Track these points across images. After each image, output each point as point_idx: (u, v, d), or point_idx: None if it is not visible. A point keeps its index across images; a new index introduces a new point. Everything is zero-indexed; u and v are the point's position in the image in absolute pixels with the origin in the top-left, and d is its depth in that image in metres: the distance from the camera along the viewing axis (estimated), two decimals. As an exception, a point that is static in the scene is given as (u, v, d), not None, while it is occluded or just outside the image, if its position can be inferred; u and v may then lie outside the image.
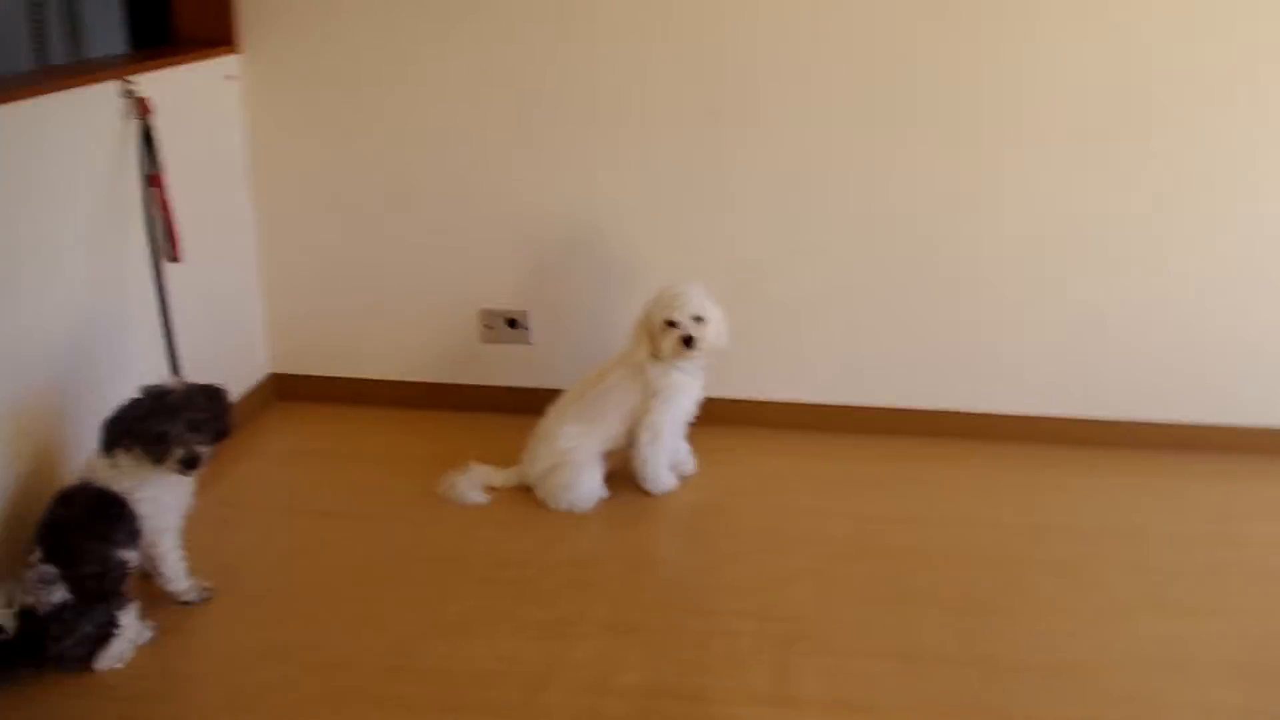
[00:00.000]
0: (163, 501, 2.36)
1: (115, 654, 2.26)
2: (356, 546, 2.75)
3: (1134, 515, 2.91)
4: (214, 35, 3.18)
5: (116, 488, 2.30)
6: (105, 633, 2.23)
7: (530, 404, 3.11)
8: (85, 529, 2.24)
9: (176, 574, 2.45)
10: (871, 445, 3.26)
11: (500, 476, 2.99)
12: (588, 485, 2.88)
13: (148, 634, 2.35)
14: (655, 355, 2.83)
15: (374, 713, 2.16)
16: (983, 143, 3.03)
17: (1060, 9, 2.89)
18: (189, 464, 2.29)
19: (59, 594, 2.18)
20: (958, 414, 3.28)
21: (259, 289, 3.47)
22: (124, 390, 2.36)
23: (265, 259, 3.44)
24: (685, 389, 2.88)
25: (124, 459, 2.30)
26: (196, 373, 2.80)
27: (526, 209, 3.26)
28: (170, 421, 2.27)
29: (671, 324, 2.78)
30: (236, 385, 3.25)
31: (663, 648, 2.34)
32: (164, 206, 2.78)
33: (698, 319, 2.78)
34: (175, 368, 2.85)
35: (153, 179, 2.76)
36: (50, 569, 2.19)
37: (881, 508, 2.91)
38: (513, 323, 3.39)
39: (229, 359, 3.25)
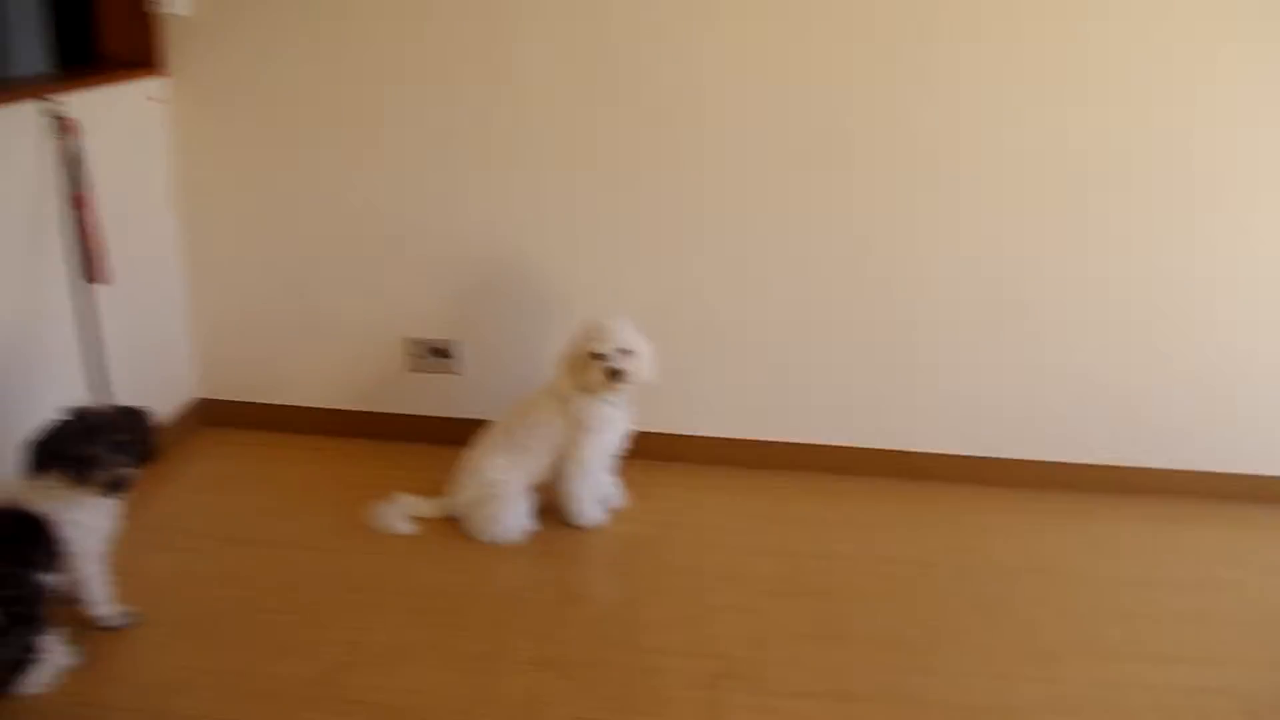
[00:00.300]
0: (87, 525, 2.32)
1: (36, 680, 2.21)
2: (282, 574, 2.73)
3: (1063, 557, 2.97)
4: (137, 56, 3.15)
5: (39, 510, 2.26)
6: (24, 657, 2.19)
7: (458, 434, 3.12)
8: (3, 553, 2.20)
9: (101, 598, 2.41)
10: (800, 481, 3.31)
11: (427, 507, 2.98)
12: (514, 518, 2.89)
13: (69, 659, 2.31)
14: (582, 388, 2.85)
15: (305, 748, 2.15)
16: (914, 185, 3.09)
17: (999, 56, 2.97)
18: (115, 487, 2.27)
19: None
20: (887, 452, 3.34)
21: (185, 313, 3.43)
22: (43, 413, 2.32)
23: (192, 283, 3.41)
24: (612, 422, 2.91)
25: (48, 481, 2.26)
26: (121, 396, 2.77)
27: (456, 239, 3.27)
28: (95, 443, 2.24)
29: (598, 356, 2.81)
30: (162, 409, 3.20)
31: (590, 684, 2.36)
32: (88, 227, 2.74)
33: (625, 352, 2.81)
34: (100, 391, 2.81)
35: (77, 199, 2.72)
36: None
37: (810, 544, 2.96)
38: (440, 352, 3.39)
39: (154, 383, 3.21)
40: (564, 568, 2.84)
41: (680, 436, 3.38)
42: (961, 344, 3.24)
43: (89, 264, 2.76)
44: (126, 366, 2.98)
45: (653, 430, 3.27)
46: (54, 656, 2.26)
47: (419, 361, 3.42)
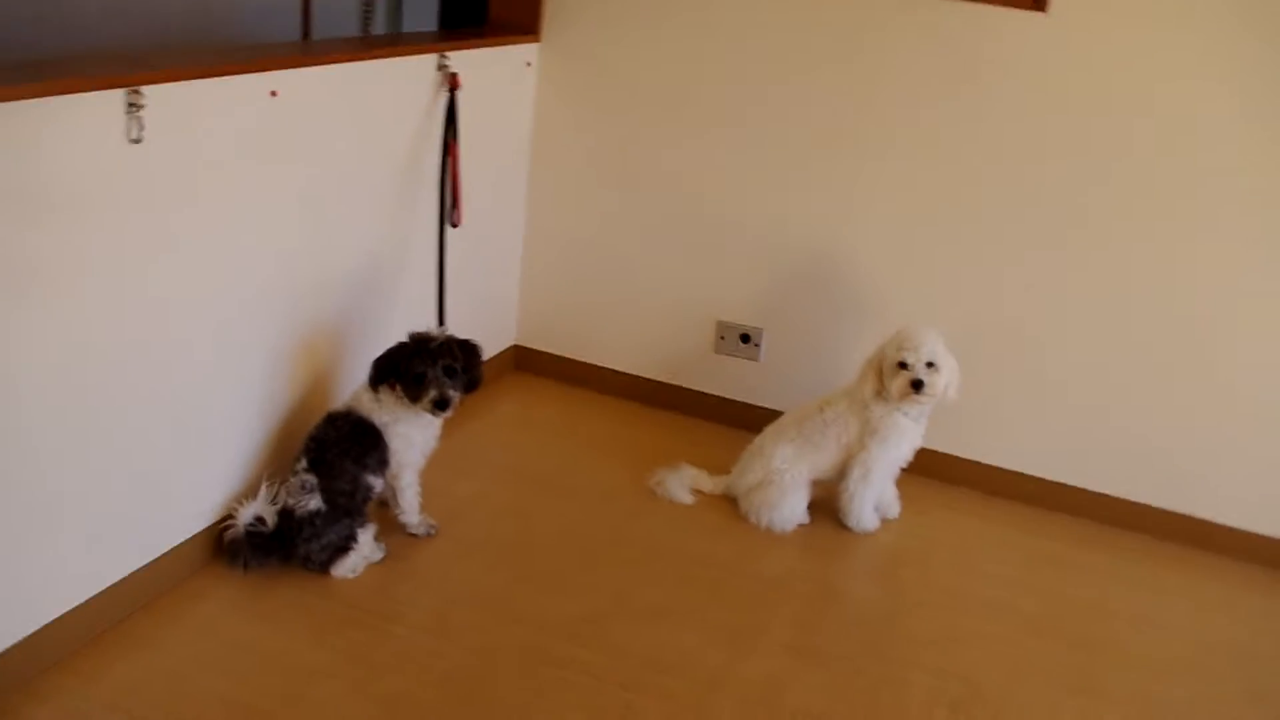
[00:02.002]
0: (411, 438, 2.61)
1: (350, 565, 2.52)
2: (566, 518, 2.94)
3: None
4: (522, 23, 3.44)
5: (375, 419, 2.56)
6: (345, 544, 2.50)
7: (749, 419, 3.23)
8: (344, 450, 2.51)
9: (411, 508, 2.70)
10: (1083, 529, 3.21)
11: (709, 482, 3.11)
12: (791, 508, 2.97)
13: (379, 554, 2.61)
14: (881, 395, 2.88)
15: (554, 672, 2.33)
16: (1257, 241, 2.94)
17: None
18: (440, 405, 2.52)
19: (314, 502, 2.46)
20: (1183, 517, 3.17)
21: (519, 265, 3.72)
22: (394, 333, 2.61)
23: (529, 238, 3.70)
24: (905, 433, 2.92)
25: (385, 395, 2.55)
26: (454, 330, 3.06)
27: (777, 230, 3.37)
28: (429, 365, 2.50)
29: (903, 365, 2.80)
30: (484, 349, 3.50)
31: (836, 681, 2.42)
32: (454, 174, 3.05)
33: (930, 365, 2.80)
34: (441, 320, 3.12)
35: (450, 148, 3.02)
36: (311, 478, 2.47)
37: (1081, 593, 2.87)
38: (746, 338, 3.51)
39: (482, 323, 3.50)
40: (830, 565, 2.90)
41: (967, 460, 3.34)
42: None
43: (451, 208, 3.07)
44: (462, 305, 3.29)
45: (942, 449, 3.27)
46: (367, 549, 2.56)
47: (725, 344, 3.55)
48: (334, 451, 2.50)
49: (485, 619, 2.49)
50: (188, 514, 2.47)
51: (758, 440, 3.08)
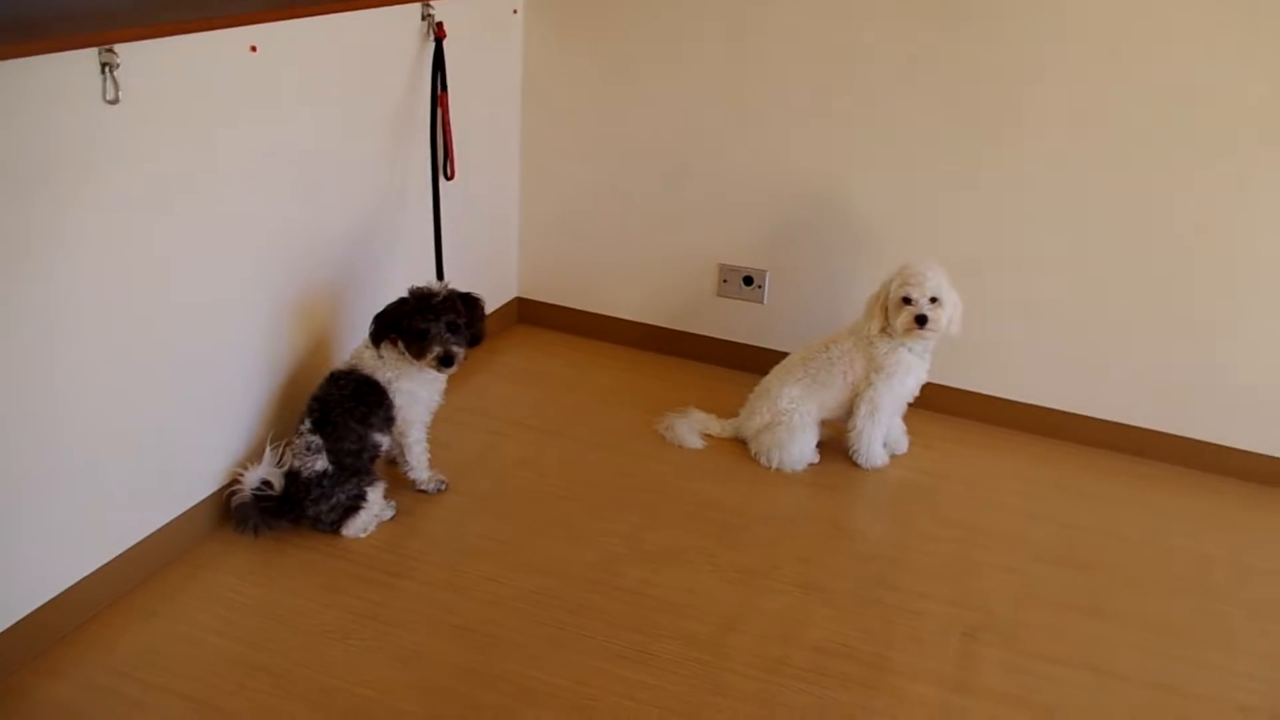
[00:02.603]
0: (416, 395, 2.59)
1: (360, 524, 2.52)
2: (575, 466, 2.94)
3: None
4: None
5: (379, 377, 2.54)
6: (354, 504, 2.49)
7: (754, 362, 3.22)
8: (349, 409, 2.50)
9: (419, 464, 2.69)
10: (1092, 457, 3.20)
11: (717, 425, 3.10)
12: (800, 448, 2.96)
13: (390, 513, 2.61)
14: (886, 331, 2.87)
15: (569, 618, 2.33)
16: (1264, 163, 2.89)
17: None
18: (445, 361, 2.50)
19: (320, 463, 2.45)
20: (1189, 440, 3.16)
21: (517, 216, 3.69)
22: (392, 289, 2.59)
23: (526, 188, 3.66)
24: (910, 369, 2.91)
25: (388, 351, 2.53)
26: (455, 284, 3.03)
27: (778, 171, 3.33)
28: (433, 321, 2.48)
29: (908, 301, 2.80)
30: (486, 302, 3.48)
31: (850, 614, 2.42)
32: (446, 126, 3.01)
33: (934, 300, 2.80)
34: (440, 275, 3.09)
35: (440, 99, 2.98)
36: (316, 439, 2.46)
37: (1091, 520, 2.87)
38: (749, 280, 3.49)
39: (483, 277, 3.48)
40: (841, 502, 2.89)
41: (975, 394, 3.32)
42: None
43: (444, 161, 3.03)
44: (462, 259, 3.26)
45: (948, 384, 3.25)
46: (376, 507, 2.55)
47: (728, 287, 3.53)
48: (338, 411, 2.49)
49: (498, 570, 2.48)
50: (193, 480, 2.46)
51: (764, 381, 3.07)
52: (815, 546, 2.67)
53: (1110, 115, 2.94)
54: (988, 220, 3.15)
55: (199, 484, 2.48)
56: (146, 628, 2.23)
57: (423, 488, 2.73)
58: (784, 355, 3.12)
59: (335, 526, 2.51)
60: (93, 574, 2.22)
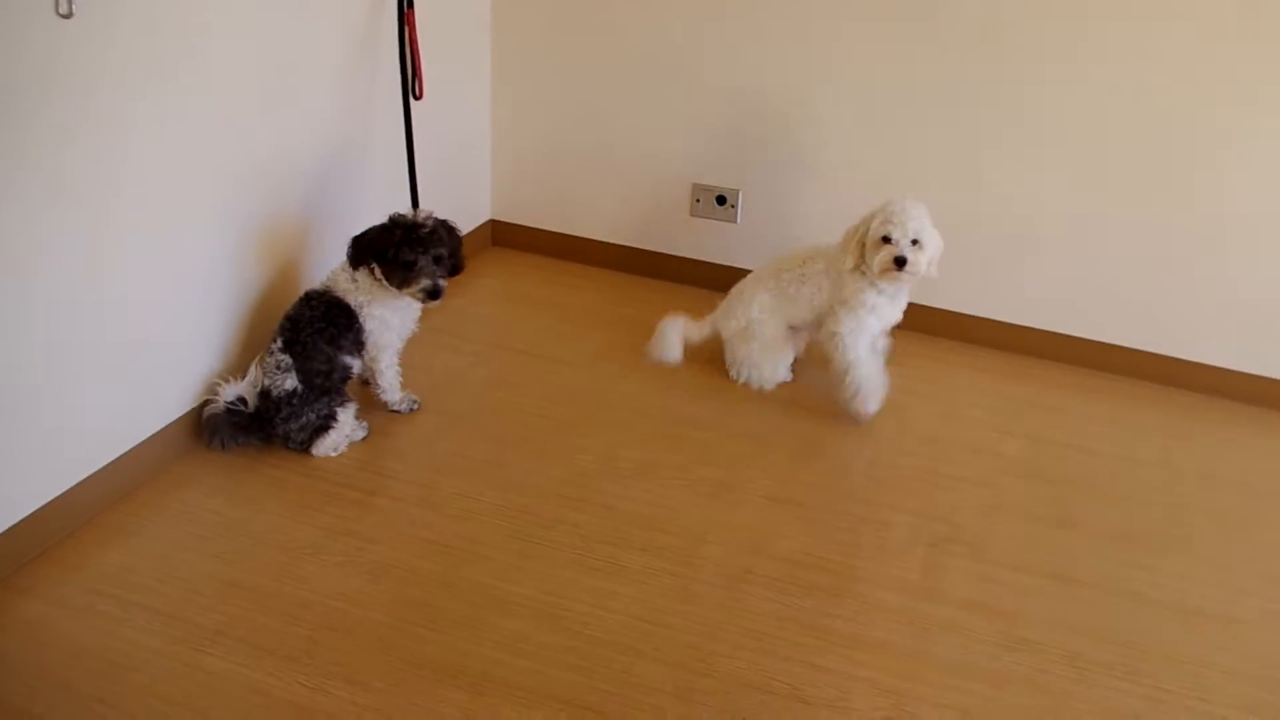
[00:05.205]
0: (388, 321, 2.59)
1: (330, 444, 2.54)
2: (550, 386, 2.95)
3: None
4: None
5: (350, 300, 2.53)
6: (325, 424, 2.51)
7: (728, 281, 3.19)
8: (318, 330, 2.50)
9: (391, 386, 2.70)
10: (1061, 373, 3.24)
11: (696, 329, 3.04)
12: (773, 367, 2.98)
13: (361, 433, 2.63)
14: (861, 269, 2.74)
15: (543, 532, 2.37)
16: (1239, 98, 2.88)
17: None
18: (432, 294, 2.50)
19: (290, 382, 2.46)
20: (1156, 356, 3.20)
21: (488, 138, 3.66)
22: (362, 211, 2.58)
23: (497, 109, 3.62)
24: (877, 310, 2.80)
25: (363, 277, 2.52)
26: (431, 209, 3.00)
27: (750, 90, 3.31)
28: (420, 253, 2.46)
29: (887, 240, 2.65)
30: (461, 226, 3.47)
31: (819, 526, 2.46)
32: (413, 44, 2.97)
33: (915, 242, 2.65)
34: (415, 200, 3.06)
35: (407, 17, 2.94)
36: (286, 358, 2.47)
37: (1057, 434, 2.91)
38: (722, 200, 3.48)
39: (455, 200, 3.46)
40: (813, 419, 2.91)
41: (945, 311, 3.35)
42: (1264, 263, 3.02)
43: (413, 80, 3.00)
44: (433, 181, 3.24)
45: (920, 302, 3.26)
46: (347, 427, 2.57)
47: (701, 207, 3.52)
48: (308, 331, 2.49)
49: (472, 487, 2.51)
50: (164, 401, 2.46)
51: (740, 283, 3.05)
52: (786, 461, 2.70)
53: (1088, 26, 2.92)
54: (959, 138, 3.15)
55: (171, 405, 2.48)
56: (120, 546, 2.25)
57: (395, 408, 2.74)
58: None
59: (305, 446, 2.52)
60: (65, 493, 2.23)
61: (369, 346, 2.61)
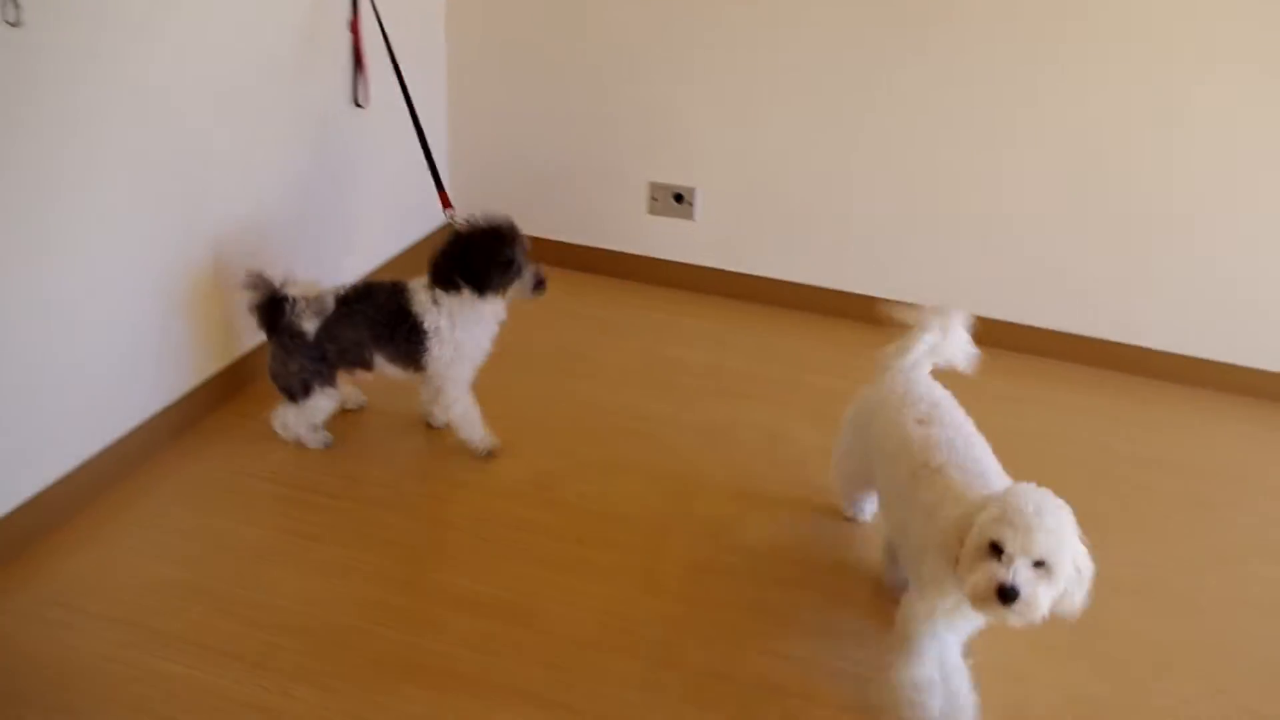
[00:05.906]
0: (463, 349, 2.50)
1: (283, 419, 2.57)
2: (508, 388, 2.92)
3: (1253, 464, 2.88)
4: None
5: (426, 322, 2.44)
6: (295, 387, 2.49)
7: (686, 279, 3.22)
8: (371, 319, 2.45)
9: (470, 422, 2.61)
10: (1031, 365, 3.28)
11: None
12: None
13: (317, 438, 2.61)
14: (955, 580, 1.73)
15: (509, 534, 2.38)
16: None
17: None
18: (541, 284, 2.48)
19: (312, 325, 2.42)
20: (1123, 346, 3.26)
21: (446, 141, 3.65)
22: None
23: (453, 113, 3.62)
24: (953, 626, 1.86)
25: (447, 299, 2.43)
26: (386, 213, 2.98)
27: (704, 86, 3.32)
28: (517, 249, 2.43)
29: (996, 550, 1.65)
30: (417, 230, 3.47)
31: (780, 516, 2.49)
32: (360, 53, 2.96)
33: (1039, 564, 1.64)
34: (446, 201, 2.92)
35: (353, 25, 2.93)
36: (330, 306, 2.44)
37: (1028, 425, 2.93)
38: (679, 198, 3.49)
39: (412, 203, 3.44)
40: (774, 412, 2.92)
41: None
42: (1230, 243, 3.07)
43: (358, 88, 2.99)
44: (390, 186, 3.22)
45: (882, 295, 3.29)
46: (308, 413, 2.54)
47: (659, 205, 3.53)
48: (361, 314, 2.43)
49: (436, 489, 2.52)
50: (123, 410, 2.44)
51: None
52: (747, 456, 2.72)
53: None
54: (913, 128, 3.18)
55: (131, 413, 2.46)
56: (82, 554, 2.23)
57: (475, 446, 2.62)
58: (716, 272, 3.10)
59: (275, 380, 2.50)
60: (21, 505, 2.20)
61: (430, 374, 2.52)
